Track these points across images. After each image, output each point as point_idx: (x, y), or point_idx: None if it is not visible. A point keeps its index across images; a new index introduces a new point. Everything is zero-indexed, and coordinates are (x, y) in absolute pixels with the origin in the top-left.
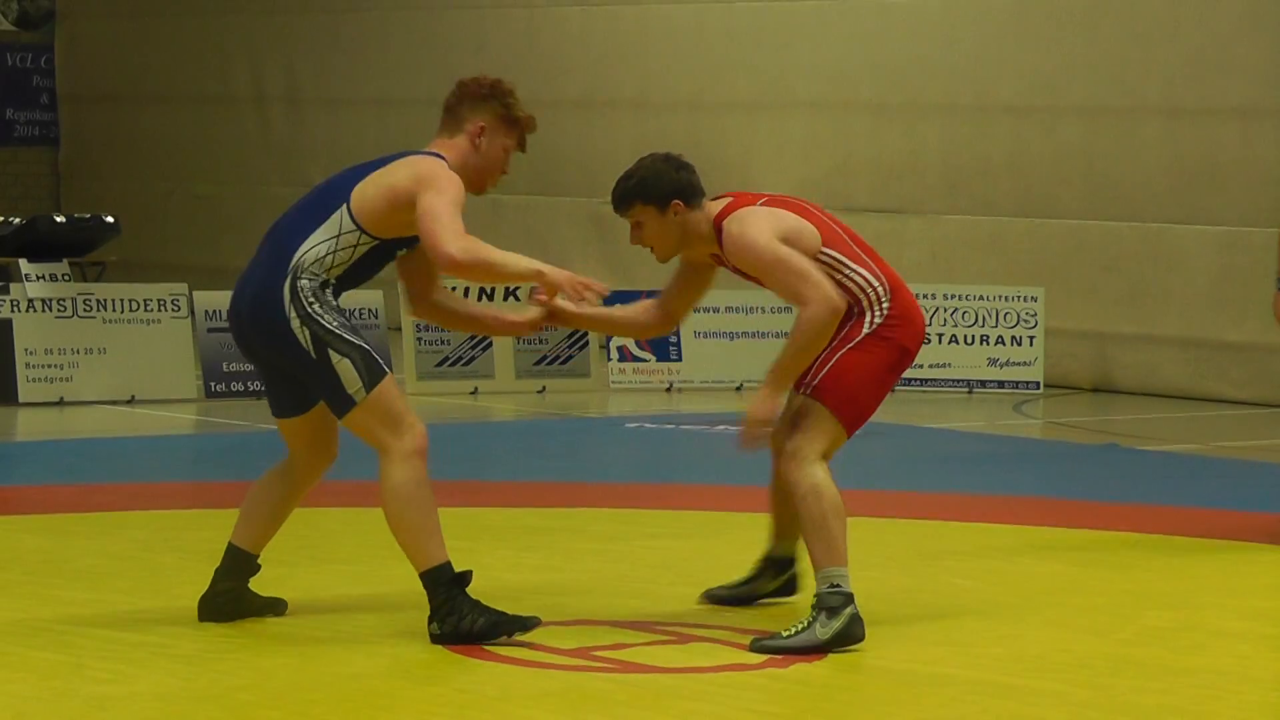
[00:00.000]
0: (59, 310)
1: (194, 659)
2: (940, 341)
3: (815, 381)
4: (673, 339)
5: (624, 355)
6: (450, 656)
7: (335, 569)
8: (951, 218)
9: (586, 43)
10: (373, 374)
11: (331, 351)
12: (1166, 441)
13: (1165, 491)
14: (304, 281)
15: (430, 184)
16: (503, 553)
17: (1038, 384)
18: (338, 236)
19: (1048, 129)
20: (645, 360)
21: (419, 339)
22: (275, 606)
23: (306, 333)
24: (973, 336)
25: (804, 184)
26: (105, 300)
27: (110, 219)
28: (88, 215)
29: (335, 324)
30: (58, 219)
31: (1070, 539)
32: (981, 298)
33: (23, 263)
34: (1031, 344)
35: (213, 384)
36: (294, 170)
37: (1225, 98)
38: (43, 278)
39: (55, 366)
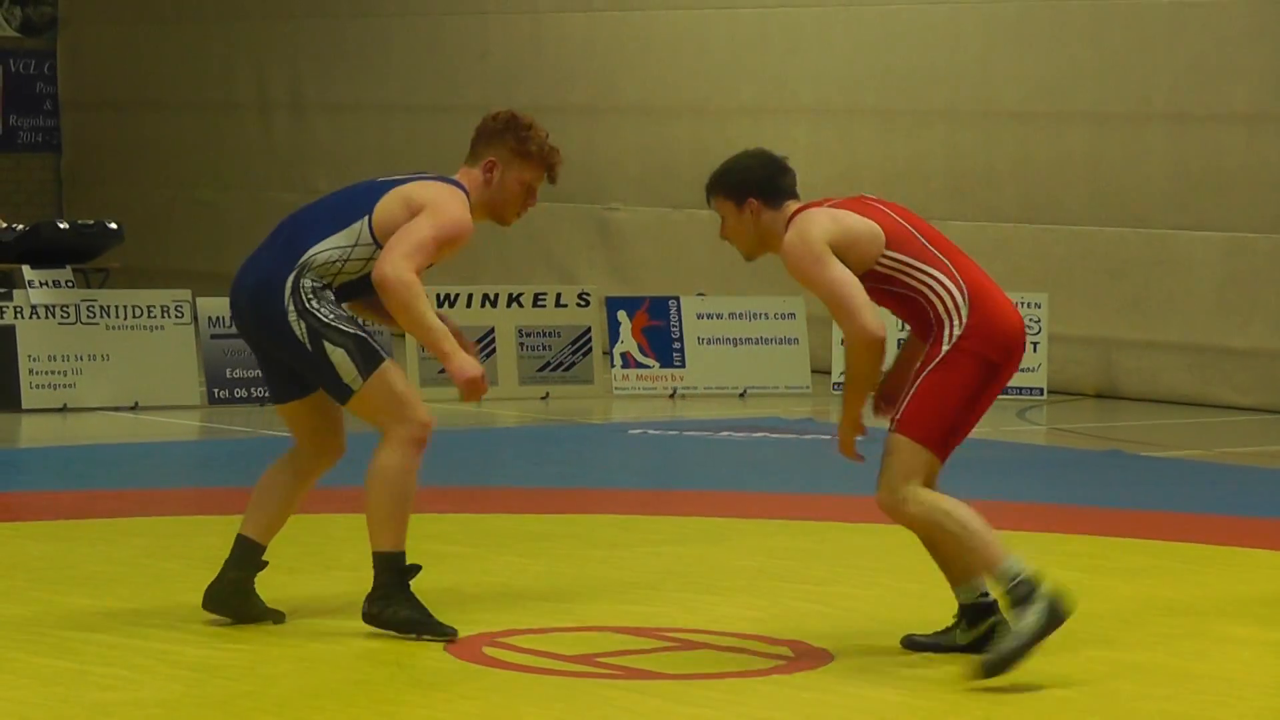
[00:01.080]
0: (62, 317)
1: (198, 665)
2: None
3: (899, 415)
4: (676, 345)
5: (627, 362)
6: (455, 663)
7: (341, 575)
8: (956, 223)
9: (590, 49)
10: (368, 361)
11: (326, 343)
12: (1171, 448)
13: (1169, 498)
14: (306, 280)
15: (430, 210)
16: (506, 559)
17: (1042, 390)
18: (353, 246)
19: (1053, 135)
20: (649, 367)
21: (421, 345)
22: (274, 616)
23: (302, 325)
24: None
25: (808, 191)
26: (109, 306)
27: (114, 225)
28: (91, 222)
29: (330, 316)
30: (61, 225)
31: (1074, 545)
32: None
33: (26, 269)
34: (1035, 350)
35: (216, 390)
36: (297, 177)
37: (1230, 104)
38: (46, 284)
39: (59, 373)
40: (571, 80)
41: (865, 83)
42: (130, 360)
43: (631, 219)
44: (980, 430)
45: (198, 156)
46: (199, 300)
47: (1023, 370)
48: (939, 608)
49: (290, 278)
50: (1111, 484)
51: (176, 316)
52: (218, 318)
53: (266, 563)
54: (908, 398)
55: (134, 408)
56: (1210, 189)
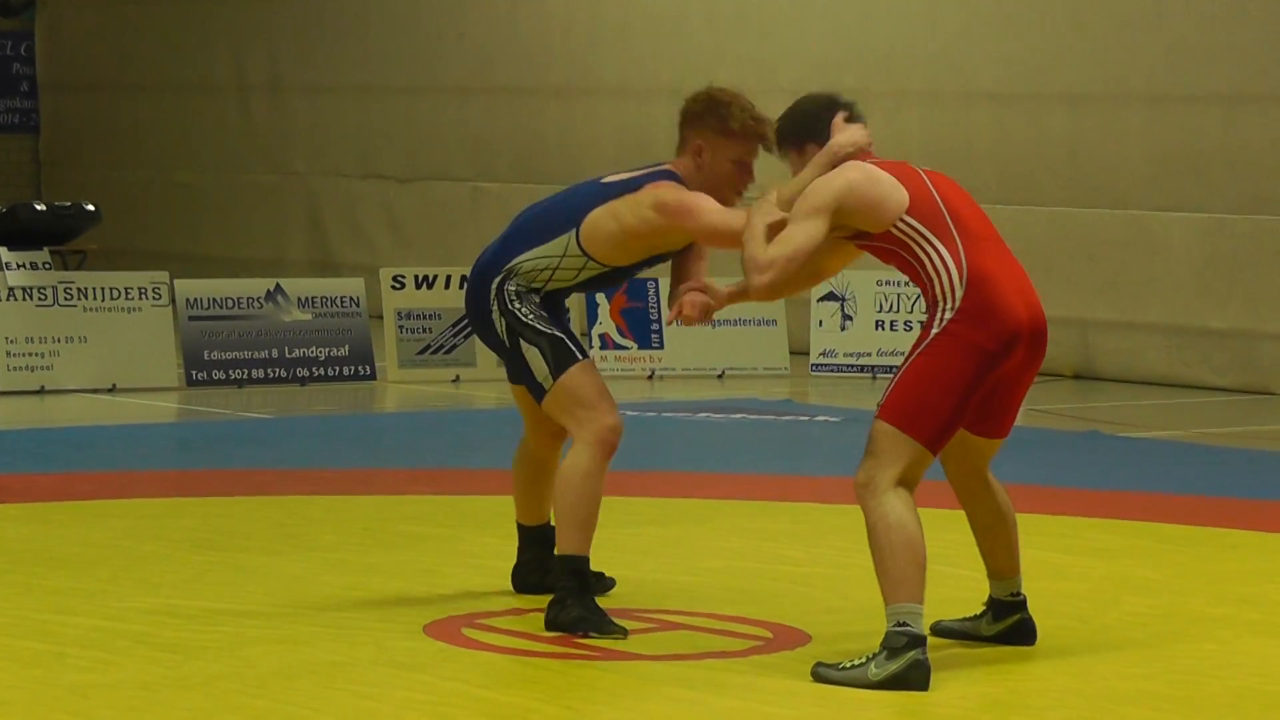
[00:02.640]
0: (39, 299)
1: (176, 647)
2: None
3: (883, 399)
4: (654, 326)
5: (605, 343)
6: (434, 645)
7: (318, 556)
8: None
9: (568, 30)
10: (559, 362)
11: (523, 341)
12: (1148, 428)
13: (1147, 478)
14: (511, 286)
15: (684, 214)
16: (486, 540)
17: None
18: (561, 257)
19: (1030, 116)
20: (627, 348)
21: (400, 327)
22: (601, 584)
23: (503, 323)
24: None
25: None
26: (86, 288)
27: (91, 207)
28: (68, 203)
29: (530, 315)
30: (38, 207)
31: (1051, 525)
32: None
33: (3, 251)
34: None
35: (194, 372)
36: (276, 158)
37: (1209, 84)
38: (23, 266)
39: (36, 355)
40: (549, 61)
41: (843, 64)
42: (108, 342)
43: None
44: None
45: (176, 138)
46: (177, 282)
47: None
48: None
49: (496, 280)
50: (1089, 464)
51: (154, 298)
52: (196, 299)
53: (554, 528)
54: (893, 382)
55: (111, 390)
56: (1189, 170)
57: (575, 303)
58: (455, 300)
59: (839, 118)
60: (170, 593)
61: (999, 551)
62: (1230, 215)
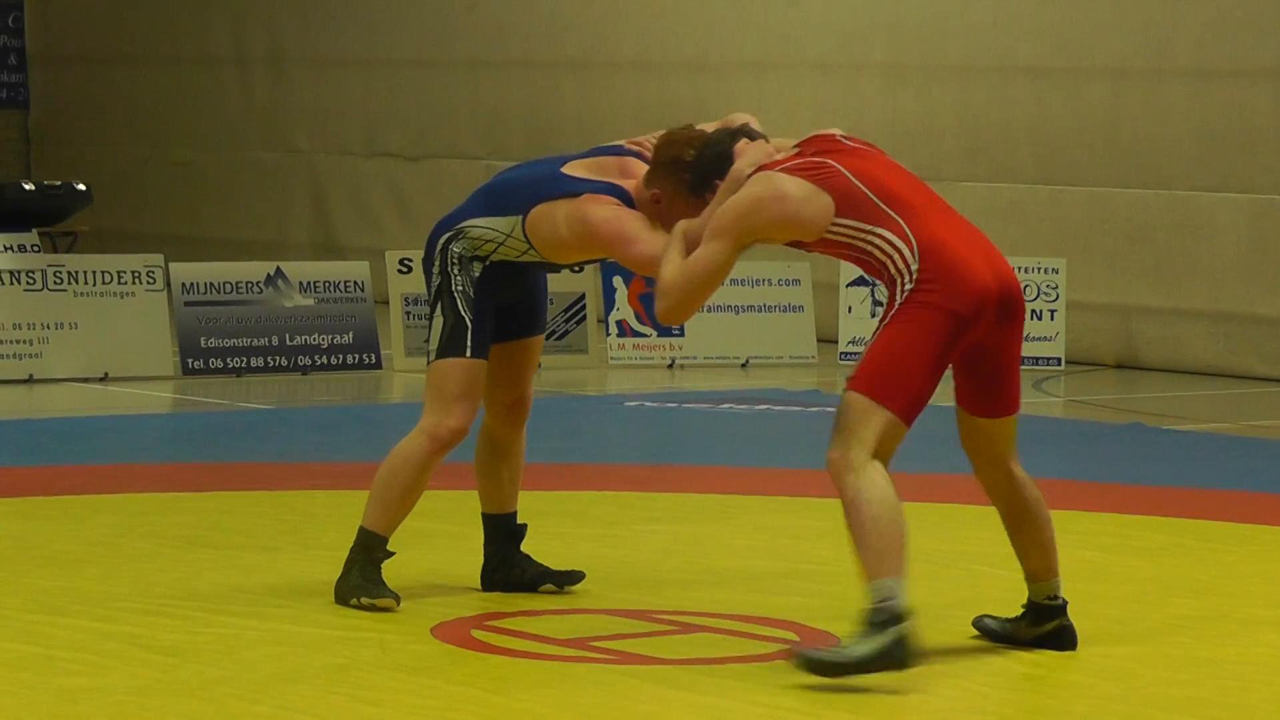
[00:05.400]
0: (28, 283)
1: (171, 650)
2: None
3: (854, 374)
4: None
5: (623, 330)
6: (442, 647)
7: (320, 554)
8: (969, 185)
9: (586, 0)
10: (448, 346)
11: (440, 305)
12: (1194, 420)
13: (1193, 473)
14: (456, 247)
15: (616, 241)
16: None
17: (1059, 360)
18: (508, 236)
19: (1070, 92)
20: (646, 336)
21: (407, 313)
22: (569, 578)
23: (437, 280)
24: None
25: None
26: (77, 272)
27: (82, 187)
28: (58, 183)
29: (460, 287)
30: (27, 186)
31: (1093, 523)
32: None
33: None
34: (1053, 318)
35: (190, 360)
36: (277, 134)
37: (1257, 58)
38: (11, 248)
39: (24, 342)
40: (565, 33)
41: (873, 36)
42: (100, 329)
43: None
44: None
45: (172, 114)
46: (172, 265)
47: (1039, 339)
48: (950, 586)
49: (445, 237)
50: (1132, 459)
51: (149, 283)
52: (192, 284)
53: (523, 526)
54: (863, 358)
55: (104, 379)
56: (1236, 148)
57: (591, 288)
58: None
59: (740, 144)
60: (165, 592)
61: (1031, 551)
62: (1279, 195)
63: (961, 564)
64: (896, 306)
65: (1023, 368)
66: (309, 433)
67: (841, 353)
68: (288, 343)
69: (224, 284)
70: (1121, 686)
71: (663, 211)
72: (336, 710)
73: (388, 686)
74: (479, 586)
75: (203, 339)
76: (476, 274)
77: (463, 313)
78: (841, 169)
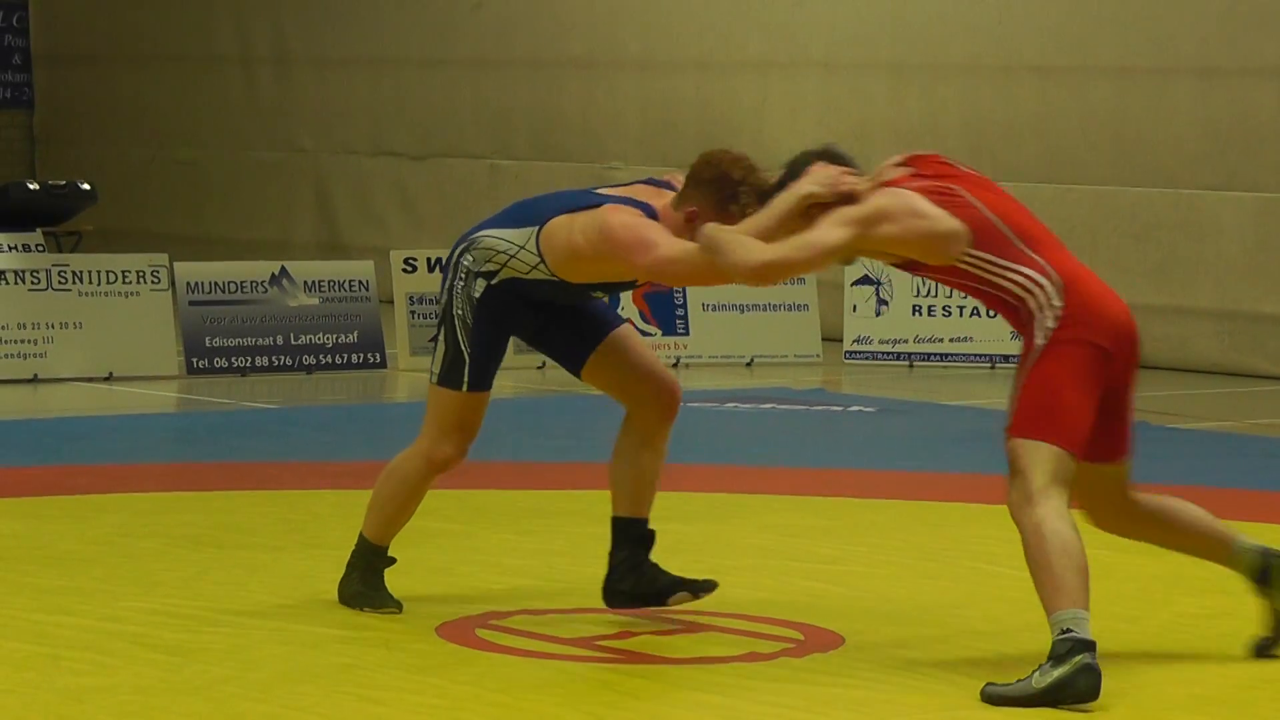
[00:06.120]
0: (32, 282)
1: (175, 649)
2: (962, 315)
3: (1010, 421)
4: (680, 311)
5: None
6: (447, 647)
7: (325, 554)
8: None
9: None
10: (446, 376)
11: (444, 330)
12: (1199, 419)
13: (1198, 471)
14: (466, 260)
15: (634, 248)
16: (502, 536)
17: None
18: (520, 249)
19: (1075, 90)
20: (651, 334)
21: (412, 312)
22: (704, 586)
23: (445, 299)
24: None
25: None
26: (81, 272)
27: (87, 186)
28: (63, 182)
29: (460, 313)
30: (31, 186)
31: None
32: None
33: None
34: None
35: (195, 360)
36: (281, 134)
37: (1262, 57)
38: (15, 248)
39: (29, 342)
40: (570, 33)
41: (878, 35)
42: (104, 328)
43: (632, 178)
44: (999, 401)
45: (177, 114)
46: (177, 265)
47: None
48: (954, 584)
49: (460, 248)
50: (1137, 457)
51: (153, 282)
52: (197, 283)
53: (652, 533)
54: (1015, 399)
55: (108, 378)
56: (1241, 147)
57: None
58: None
59: (817, 165)
60: (169, 592)
61: (1201, 545)
62: None
63: (964, 563)
64: (1039, 346)
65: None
66: (314, 432)
67: (846, 351)
68: (292, 342)
69: (229, 283)
70: (1127, 685)
71: (695, 230)
72: (341, 709)
73: (393, 686)
74: (482, 586)
75: (207, 338)
76: (477, 294)
77: (461, 345)
78: (974, 200)
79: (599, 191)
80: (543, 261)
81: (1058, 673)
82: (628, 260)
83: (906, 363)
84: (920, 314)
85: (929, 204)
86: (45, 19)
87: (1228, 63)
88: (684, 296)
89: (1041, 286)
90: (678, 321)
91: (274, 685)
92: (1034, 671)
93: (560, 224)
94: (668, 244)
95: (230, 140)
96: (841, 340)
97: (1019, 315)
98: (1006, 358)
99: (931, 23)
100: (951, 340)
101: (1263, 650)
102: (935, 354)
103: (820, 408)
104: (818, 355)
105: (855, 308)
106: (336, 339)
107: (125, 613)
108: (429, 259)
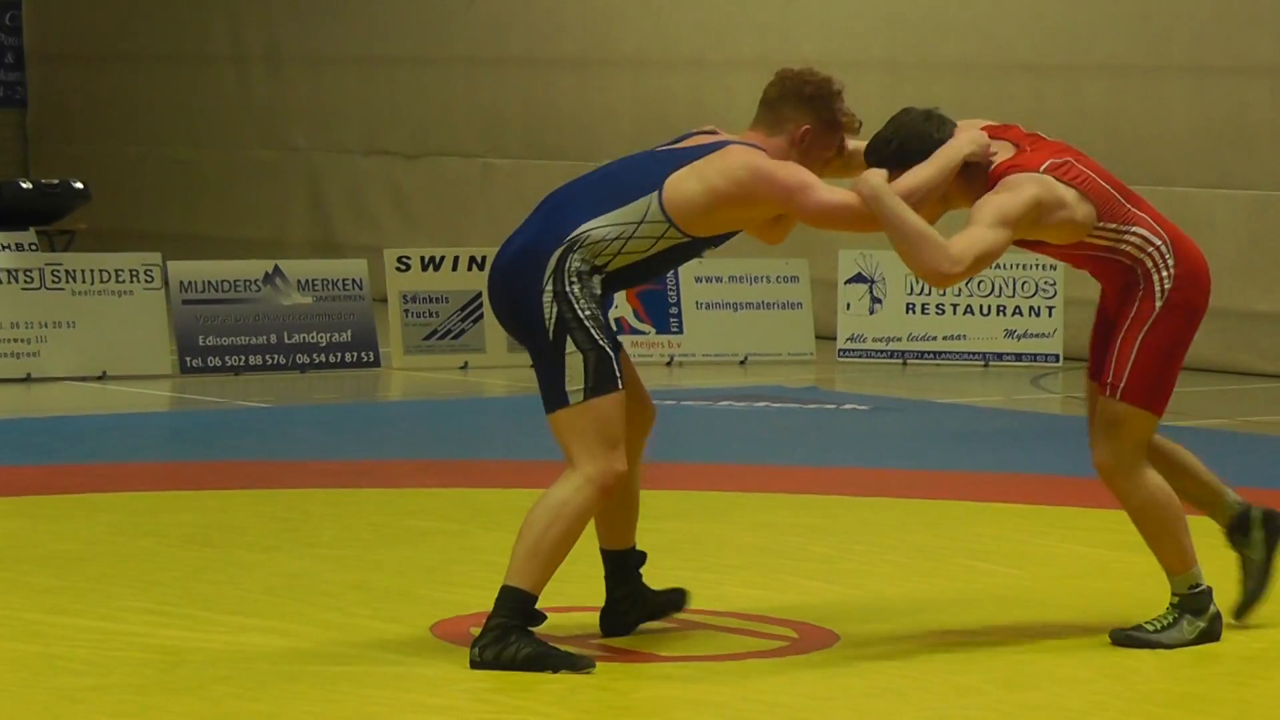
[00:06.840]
0: (25, 282)
1: (170, 649)
2: (956, 312)
3: (1122, 384)
4: (673, 309)
5: (622, 327)
6: (441, 646)
7: (319, 553)
8: None
9: None
10: (600, 383)
11: (570, 340)
12: (1191, 416)
13: None
14: (575, 261)
15: (793, 190)
16: (496, 535)
17: (1057, 356)
18: (639, 224)
19: (1069, 88)
20: (644, 333)
21: (406, 310)
22: (675, 600)
23: (554, 309)
24: (989, 307)
25: None
26: (74, 271)
27: (80, 185)
28: (56, 181)
29: (589, 313)
30: (24, 185)
31: (1092, 519)
32: (998, 266)
33: None
34: (1051, 315)
35: (188, 359)
36: (275, 133)
37: (1255, 55)
38: (8, 247)
39: (22, 341)
40: (563, 31)
41: (871, 33)
42: (97, 327)
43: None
44: (993, 398)
45: (170, 112)
46: (170, 264)
47: (1037, 336)
48: (948, 582)
49: (557, 252)
50: None
51: (147, 281)
52: (190, 282)
53: (643, 556)
54: (1127, 364)
55: (101, 377)
56: (1234, 145)
57: None
58: (463, 283)
59: (963, 123)
60: (164, 591)
61: (1192, 486)
62: (1278, 192)
63: (958, 561)
64: (1157, 308)
65: (1019, 364)
66: (307, 431)
67: (840, 349)
68: (286, 341)
69: (222, 282)
70: (1120, 683)
71: (805, 150)
72: (336, 708)
73: (387, 684)
74: (477, 585)
75: (201, 337)
76: (599, 290)
77: (600, 342)
78: (1085, 170)
79: (665, 149)
80: (672, 225)
81: (1201, 623)
82: (786, 201)
83: (900, 361)
84: (914, 312)
85: (1065, 188)
86: (38, 18)
87: (1221, 61)
88: (678, 295)
89: (1154, 244)
90: (671, 320)
91: (269, 684)
92: (1173, 620)
93: (684, 178)
94: (821, 187)
95: (223, 139)
96: (835, 338)
97: (1132, 275)
98: (1000, 355)
99: (924, 21)
100: (945, 338)
101: (1244, 608)
102: (929, 352)
103: (814, 406)
104: (811, 353)
105: (849, 306)
106: (330, 338)
107: (120, 612)
108: (422, 257)
